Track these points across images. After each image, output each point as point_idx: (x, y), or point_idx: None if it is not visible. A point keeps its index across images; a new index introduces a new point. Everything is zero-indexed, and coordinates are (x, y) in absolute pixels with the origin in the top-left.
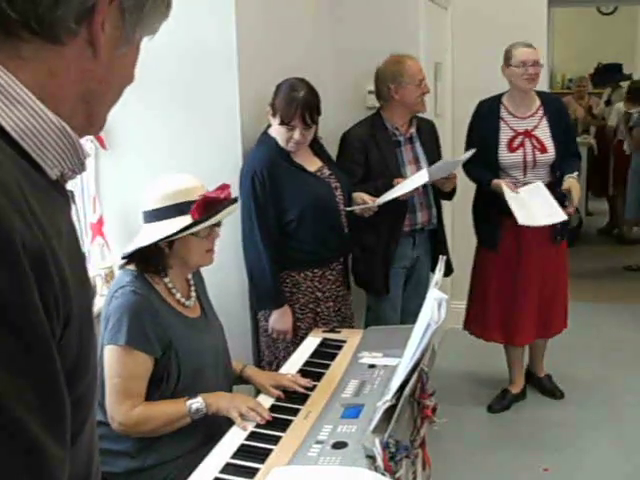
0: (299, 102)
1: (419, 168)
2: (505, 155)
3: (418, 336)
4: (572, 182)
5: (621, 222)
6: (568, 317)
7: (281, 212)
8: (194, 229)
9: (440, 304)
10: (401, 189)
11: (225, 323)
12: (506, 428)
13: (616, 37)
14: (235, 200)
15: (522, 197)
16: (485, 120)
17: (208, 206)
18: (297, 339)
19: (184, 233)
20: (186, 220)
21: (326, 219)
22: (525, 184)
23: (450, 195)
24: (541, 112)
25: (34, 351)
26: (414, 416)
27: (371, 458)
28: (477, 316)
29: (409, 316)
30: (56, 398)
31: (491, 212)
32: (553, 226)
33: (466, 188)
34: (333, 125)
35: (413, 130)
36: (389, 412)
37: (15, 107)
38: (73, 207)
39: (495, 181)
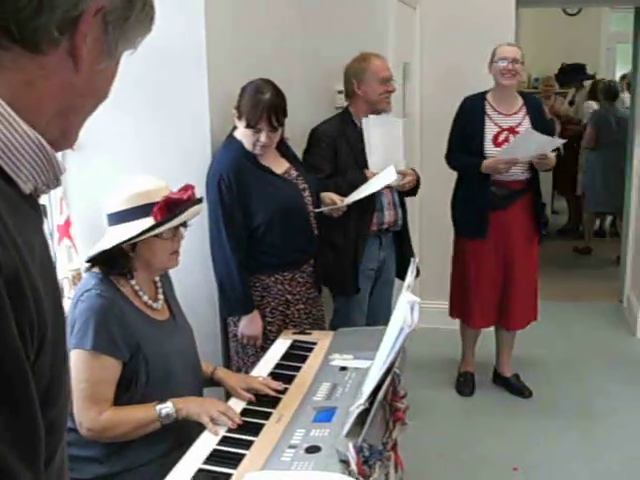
0: (265, 105)
1: None
2: (490, 149)
3: (391, 339)
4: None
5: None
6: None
7: (249, 216)
8: (156, 231)
9: (413, 307)
10: (369, 188)
11: (194, 327)
12: (474, 426)
13: (581, 38)
14: (199, 201)
15: (513, 145)
16: (470, 115)
17: (171, 207)
18: (267, 344)
19: (146, 235)
20: (149, 222)
21: (295, 222)
22: (503, 182)
23: (414, 191)
24: (524, 110)
25: (9, 379)
26: (386, 419)
27: (345, 462)
28: (463, 305)
29: (376, 318)
30: (30, 426)
31: (479, 200)
32: (527, 218)
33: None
34: (301, 125)
35: (362, 119)
36: (362, 416)
37: None
38: (45, 222)
39: (485, 162)
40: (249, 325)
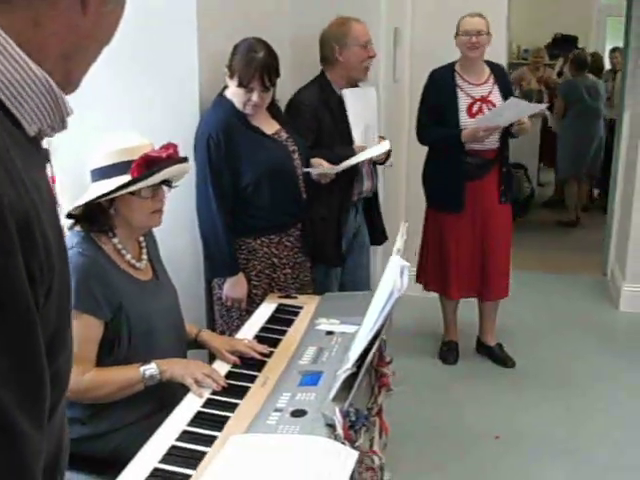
0: (258, 63)
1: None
2: (465, 120)
3: (380, 304)
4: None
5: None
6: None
7: (237, 176)
8: (131, 188)
9: (403, 271)
10: (362, 156)
11: (178, 290)
12: (457, 394)
13: (571, 10)
14: (182, 160)
15: (497, 112)
16: (441, 88)
17: (149, 165)
18: (253, 307)
19: (121, 192)
20: (127, 179)
21: (284, 183)
22: (477, 151)
23: (385, 161)
24: (492, 79)
25: (17, 326)
26: (372, 384)
27: (331, 427)
28: (441, 277)
29: (355, 283)
30: (35, 375)
31: (454, 172)
32: (499, 187)
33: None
34: (289, 88)
35: (342, 91)
36: (348, 380)
37: None
38: (48, 166)
39: (465, 131)
40: (234, 287)
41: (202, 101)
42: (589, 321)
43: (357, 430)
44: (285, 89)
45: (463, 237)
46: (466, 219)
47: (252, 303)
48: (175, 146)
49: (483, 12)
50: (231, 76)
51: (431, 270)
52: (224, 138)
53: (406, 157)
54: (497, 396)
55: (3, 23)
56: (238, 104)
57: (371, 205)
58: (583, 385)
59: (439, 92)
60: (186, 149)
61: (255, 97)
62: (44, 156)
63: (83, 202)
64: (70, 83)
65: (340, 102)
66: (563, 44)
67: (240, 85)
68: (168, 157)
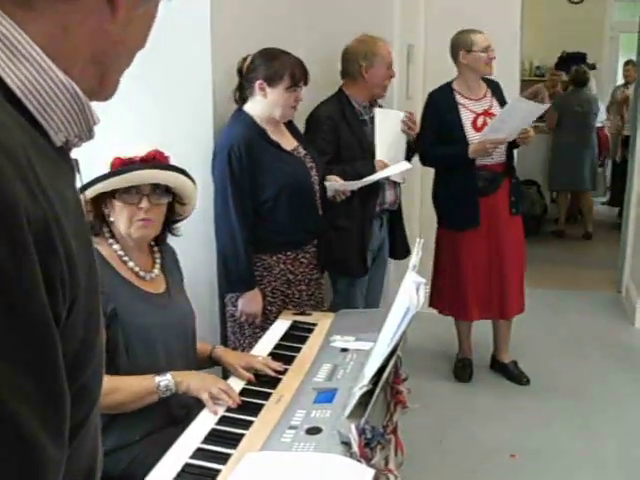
0: (300, 61)
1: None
2: (472, 135)
3: (396, 320)
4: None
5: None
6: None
7: (257, 191)
8: (100, 184)
9: (419, 288)
10: (381, 174)
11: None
12: (472, 412)
13: (584, 26)
14: (173, 168)
15: (501, 118)
16: (442, 108)
17: (127, 165)
18: (267, 324)
19: (92, 188)
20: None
21: (302, 199)
22: (487, 165)
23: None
24: (489, 94)
25: (33, 336)
26: (387, 401)
27: (346, 444)
28: (458, 300)
29: (371, 297)
30: (55, 392)
31: (467, 188)
32: (509, 199)
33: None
34: (304, 104)
35: (375, 110)
36: (365, 397)
37: (21, 63)
38: (77, 177)
39: (472, 147)
40: (250, 303)
41: (216, 118)
42: (604, 338)
43: (373, 448)
44: (301, 104)
45: (479, 255)
46: (481, 236)
47: (266, 320)
48: (161, 153)
49: (495, 29)
50: (274, 84)
51: (447, 294)
52: (245, 151)
53: (420, 175)
54: (512, 413)
55: (30, 30)
56: (282, 110)
57: (395, 219)
58: (599, 402)
59: (440, 112)
60: (198, 166)
61: (300, 94)
62: (72, 167)
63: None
64: (104, 88)
65: (358, 115)
66: (570, 61)
67: (292, 85)
68: (144, 160)
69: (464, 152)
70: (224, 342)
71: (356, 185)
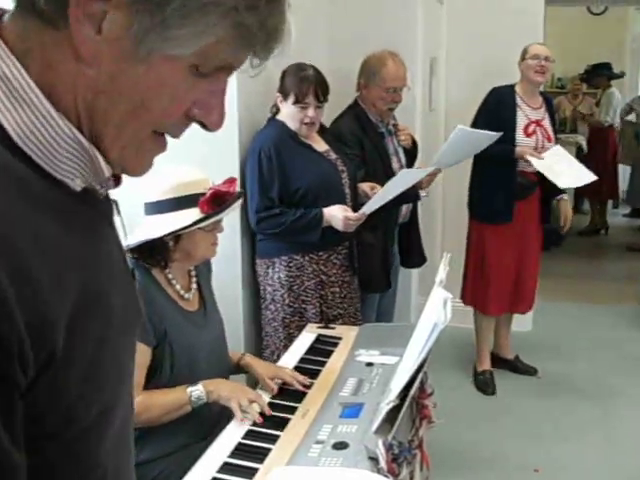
0: (311, 79)
1: (400, 160)
2: (521, 139)
3: (424, 336)
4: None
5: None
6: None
7: (288, 190)
8: (204, 223)
9: (445, 303)
10: (387, 194)
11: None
12: (495, 425)
13: (605, 38)
14: (240, 195)
15: (548, 163)
16: (503, 105)
17: (217, 199)
18: (303, 321)
19: (194, 227)
20: (193, 213)
21: (332, 199)
22: (526, 172)
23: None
24: (544, 107)
25: None
26: (413, 416)
27: (373, 460)
28: (478, 291)
29: (384, 312)
30: None
31: (507, 187)
32: (541, 209)
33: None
34: (327, 115)
35: (392, 122)
36: (392, 412)
37: (22, 108)
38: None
39: (519, 149)
40: (332, 217)
41: (241, 132)
42: (626, 351)
43: (400, 463)
44: (323, 116)
45: (504, 251)
46: (508, 235)
47: (302, 318)
48: (235, 180)
49: (518, 41)
50: (285, 97)
51: (469, 284)
52: (275, 151)
53: (442, 185)
54: (535, 427)
55: (29, 65)
56: (294, 124)
57: (407, 229)
58: (622, 417)
59: (500, 108)
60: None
61: (311, 112)
62: (104, 211)
63: (156, 236)
64: (107, 150)
65: (375, 128)
66: (596, 72)
67: (296, 102)
68: (233, 191)
69: (510, 150)
70: (253, 345)
71: (363, 212)
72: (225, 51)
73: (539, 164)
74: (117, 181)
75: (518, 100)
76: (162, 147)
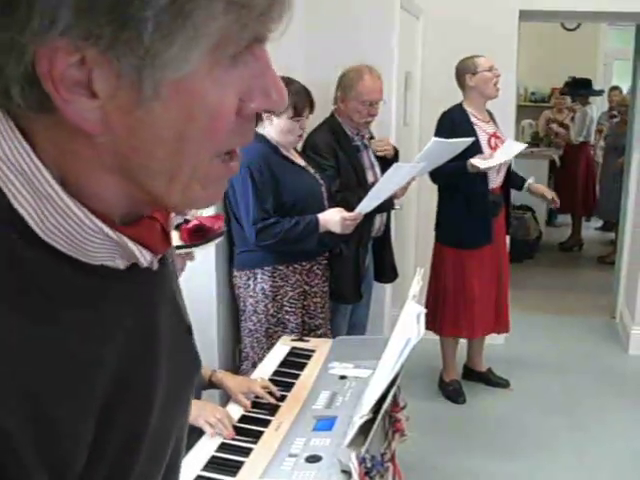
0: (304, 92)
1: (375, 174)
2: (489, 154)
3: (396, 350)
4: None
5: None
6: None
7: (277, 201)
8: (181, 251)
9: (419, 318)
10: (381, 192)
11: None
12: (466, 435)
13: (578, 53)
14: (222, 234)
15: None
16: (459, 126)
17: (199, 231)
18: (286, 332)
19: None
20: (173, 236)
21: (315, 211)
22: (492, 188)
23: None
24: (491, 119)
25: None
26: (385, 429)
27: (346, 473)
28: (464, 318)
29: (354, 323)
30: None
31: (481, 208)
32: (506, 221)
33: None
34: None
35: (367, 136)
36: (365, 426)
37: (42, 202)
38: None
39: (469, 162)
40: (329, 221)
41: None
42: (598, 364)
43: (373, 477)
44: None
45: (484, 272)
46: (486, 254)
47: (285, 328)
48: (222, 217)
49: (493, 56)
50: (278, 113)
51: (450, 314)
52: (265, 165)
53: (416, 200)
54: (507, 440)
55: (43, 157)
56: (287, 137)
57: (381, 244)
58: (594, 431)
59: (457, 131)
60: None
61: (304, 124)
62: (140, 284)
63: None
64: (159, 199)
65: (350, 142)
66: (577, 87)
67: (295, 115)
68: (217, 228)
69: (463, 166)
70: (228, 360)
71: (358, 212)
72: (234, 36)
73: (486, 163)
74: (166, 243)
75: (472, 118)
76: (232, 168)
